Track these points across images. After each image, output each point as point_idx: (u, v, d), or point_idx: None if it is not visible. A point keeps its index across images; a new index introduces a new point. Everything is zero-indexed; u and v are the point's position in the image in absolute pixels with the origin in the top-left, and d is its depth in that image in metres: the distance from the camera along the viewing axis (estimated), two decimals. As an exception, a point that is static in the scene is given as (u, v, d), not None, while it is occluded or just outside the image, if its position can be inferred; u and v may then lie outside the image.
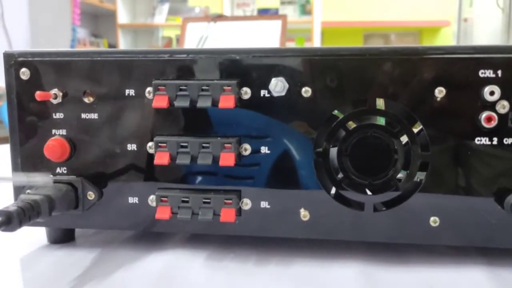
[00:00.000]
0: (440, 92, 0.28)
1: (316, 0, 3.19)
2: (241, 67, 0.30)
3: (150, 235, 0.35)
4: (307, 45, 3.42)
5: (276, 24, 1.97)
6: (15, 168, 0.33)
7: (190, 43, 2.05)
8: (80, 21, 3.29)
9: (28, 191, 0.31)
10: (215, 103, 0.30)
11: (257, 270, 0.30)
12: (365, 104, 0.30)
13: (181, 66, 0.31)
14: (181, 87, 0.30)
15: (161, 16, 3.45)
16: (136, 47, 3.87)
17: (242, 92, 0.30)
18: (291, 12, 3.23)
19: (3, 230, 0.26)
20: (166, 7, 3.45)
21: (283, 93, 0.30)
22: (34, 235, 0.35)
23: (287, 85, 0.30)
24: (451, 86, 0.28)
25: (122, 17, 3.46)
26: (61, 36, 3.07)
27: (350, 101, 0.30)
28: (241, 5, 3.38)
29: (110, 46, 3.66)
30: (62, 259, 0.32)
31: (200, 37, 2.03)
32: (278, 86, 0.29)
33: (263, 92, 0.30)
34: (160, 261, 0.31)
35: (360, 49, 0.29)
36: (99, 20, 3.59)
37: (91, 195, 0.32)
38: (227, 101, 0.29)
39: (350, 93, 0.30)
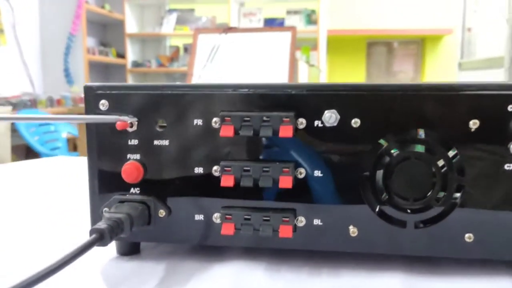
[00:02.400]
0: (474, 124, 0.33)
1: (322, 10, 3.24)
2: (297, 100, 0.34)
3: (207, 248, 0.39)
4: (312, 53, 3.47)
5: (286, 35, 2.02)
6: (93, 188, 0.37)
7: (202, 53, 2.10)
8: (89, 30, 3.34)
9: (106, 209, 0.36)
10: (275, 132, 0.34)
11: (311, 279, 0.34)
12: (407, 134, 0.34)
13: (244, 99, 0.35)
14: (244, 118, 0.34)
15: (168, 26, 3.50)
16: (144, 56, 3.93)
17: (298, 122, 0.34)
18: (297, 22, 3.28)
19: (97, 245, 0.31)
20: (173, 16, 3.50)
21: (335, 124, 0.34)
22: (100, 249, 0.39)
23: (339, 117, 0.34)
24: (484, 118, 0.33)
25: (131, 27, 3.51)
26: (71, 46, 3.12)
27: (394, 131, 0.34)
28: (247, 14, 3.43)
29: (118, 54, 3.71)
30: (136, 268, 0.36)
31: (212, 47, 2.08)
32: (331, 118, 0.34)
33: (316, 123, 0.34)
34: (226, 271, 0.35)
35: (403, 86, 0.33)
36: (107, 29, 3.65)
37: (162, 213, 0.36)
38: (286, 131, 0.33)
39: (394, 124, 0.34)
